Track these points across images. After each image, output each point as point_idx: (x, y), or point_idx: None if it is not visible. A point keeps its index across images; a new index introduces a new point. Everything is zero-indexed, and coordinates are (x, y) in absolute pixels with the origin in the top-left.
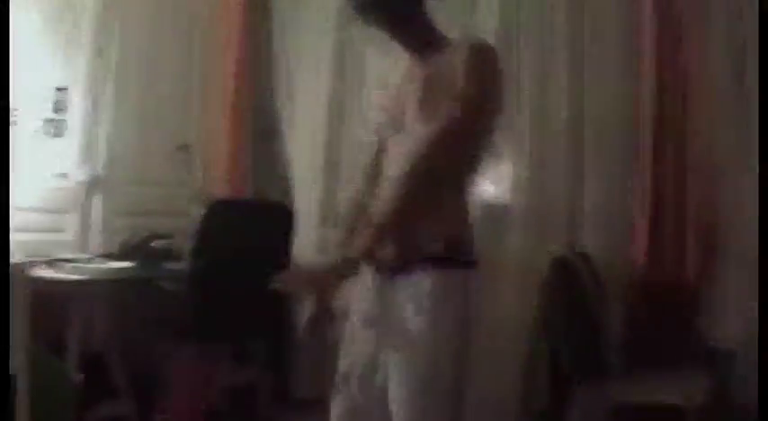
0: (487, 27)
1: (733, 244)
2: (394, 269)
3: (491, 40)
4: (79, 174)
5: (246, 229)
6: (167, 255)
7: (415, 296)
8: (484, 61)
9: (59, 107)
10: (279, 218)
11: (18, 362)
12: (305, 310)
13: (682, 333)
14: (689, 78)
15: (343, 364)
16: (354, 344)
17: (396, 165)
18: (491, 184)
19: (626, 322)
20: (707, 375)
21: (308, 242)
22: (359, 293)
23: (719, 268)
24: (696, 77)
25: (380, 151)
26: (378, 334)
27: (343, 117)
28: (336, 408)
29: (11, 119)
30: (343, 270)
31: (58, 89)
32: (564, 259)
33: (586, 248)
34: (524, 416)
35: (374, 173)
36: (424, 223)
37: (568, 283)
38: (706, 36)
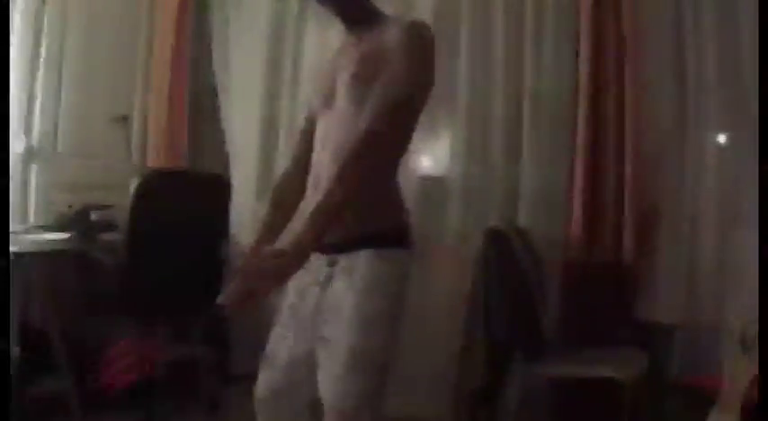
0: (427, 2)
1: (668, 221)
2: (330, 249)
3: (429, 16)
4: (16, 145)
5: (184, 201)
6: (105, 226)
7: (349, 274)
8: (418, 42)
9: None
10: (216, 190)
11: None
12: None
13: (617, 309)
14: (628, 54)
15: (273, 336)
16: (285, 321)
17: (323, 142)
18: (429, 158)
19: (562, 297)
20: (642, 349)
21: (245, 215)
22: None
23: (655, 245)
24: (635, 53)
25: (310, 126)
26: (310, 312)
27: (280, 90)
28: (263, 383)
29: None
30: (288, 266)
31: None
32: (499, 231)
33: (523, 223)
34: (461, 392)
35: (303, 149)
36: (358, 204)
37: (504, 256)
38: (644, 8)
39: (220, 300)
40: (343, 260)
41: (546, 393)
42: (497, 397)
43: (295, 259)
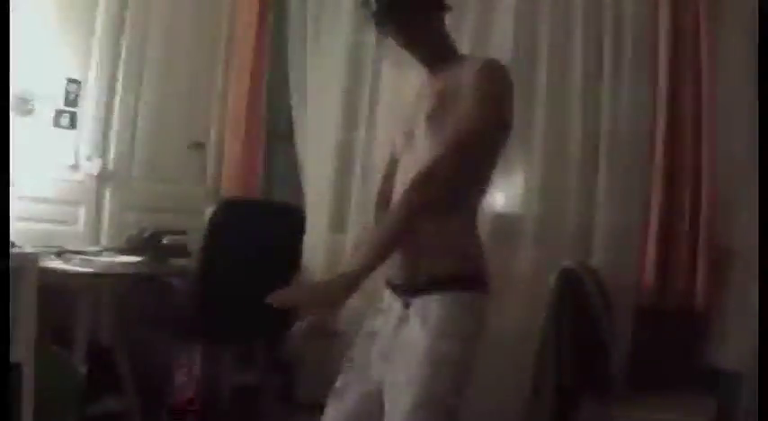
0: (504, 42)
1: (741, 269)
2: (406, 290)
3: (506, 54)
4: (90, 167)
5: (257, 230)
6: (177, 251)
7: (423, 315)
8: (494, 80)
9: (71, 99)
10: (290, 220)
11: (24, 352)
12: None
13: (686, 353)
14: (705, 96)
15: (341, 379)
16: (359, 356)
17: (403, 179)
18: (502, 195)
19: (632, 339)
20: (710, 396)
21: (318, 246)
22: (373, 309)
23: (727, 292)
24: (712, 97)
25: (393, 165)
26: (383, 349)
27: (356, 122)
28: (329, 416)
29: (27, 107)
30: (341, 288)
31: (71, 81)
32: (572, 271)
33: (596, 263)
34: None
35: (387, 187)
36: (432, 243)
37: (576, 296)
38: (721, 54)
39: (295, 328)
40: (418, 302)
41: None
42: None
43: (349, 283)
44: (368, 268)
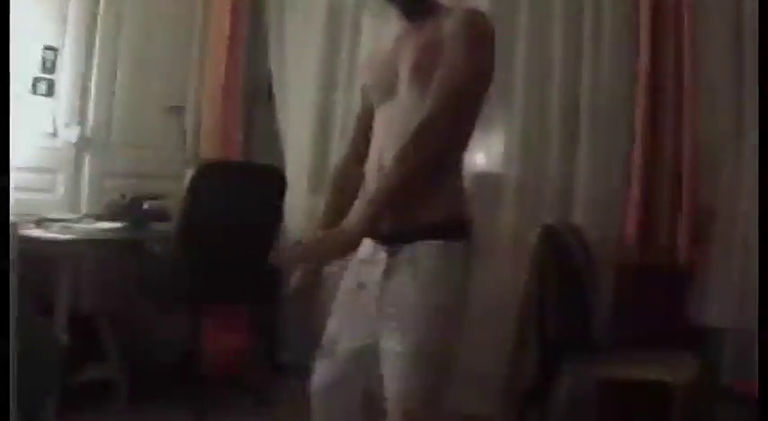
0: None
1: (723, 224)
2: (391, 239)
3: (486, 6)
4: (69, 135)
5: (237, 192)
6: (158, 216)
7: (412, 266)
8: (476, 31)
9: (48, 66)
10: (270, 182)
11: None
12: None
13: (669, 310)
14: (686, 54)
15: (331, 326)
16: (346, 311)
17: (386, 131)
18: (483, 155)
19: (615, 297)
20: (693, 353)
21: (299, 208)
22: (354, 261)
23: (710, 248)
24: (694, 52)
25: (367, 116)
26: (372, 301)
27: (336, 82)
28: (320, 374)
29: None
30: (343, 244)
31: (47, 48)
32: (553, 228)
33: (577, 221)
34: (511, 391)
35: (361, 137)
36: (421, 194)
37: (557, 252)
38: (704, 10)
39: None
40: (405, 251)
41: (596, 395)
42: (547, 397)
43: (351, 239)
44: (367, 227)
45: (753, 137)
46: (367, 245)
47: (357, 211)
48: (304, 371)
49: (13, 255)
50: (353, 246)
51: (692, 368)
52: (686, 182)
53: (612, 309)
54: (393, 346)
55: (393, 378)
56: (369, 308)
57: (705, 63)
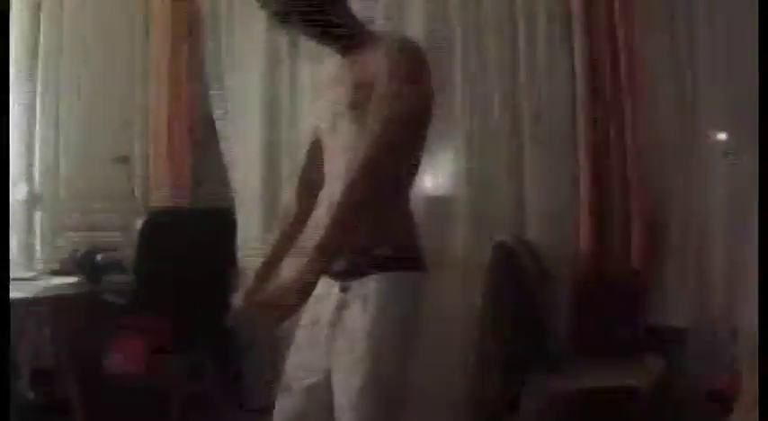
0: (417, 22)
1: (676, 227)
2: (344, 274)
3: (421, 34)
4: (17, 193)
5: (190, 237)
6: (112, 268)
7: (363, 299)
8: (409, 60)
9: None
10: (221, 223)
11: None
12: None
13: (628, 317)
14: (623, 59)
15: (289, 362)
16: (301, 348)
17: (332, 165)
18: (431, 179)
19: (574, 308)
20: (657, 355)
21: (252, 246)
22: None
23: (662, 252)
24: (630, 57)
25: (316, 147)
26: (325, 337)
27: (280, 121)
28: (280, 410)
29: None
30: (301, 293)
31: None
32: (506, 245)
33: (530, 237)
34: (477, 407)
35: (310, 169)
36: (369, 227)
37: (511, 269)
38: (641, 20)
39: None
40: (356, 286)
41: (563, 407)
42: (514, 414)
43: (299, 294)
44: (319, 272)
45: (697, 138)
46: (321, 281)
47: (303, 263)
48: (266, 408)
49: None
50: (309, 294)
51: (655, 370)
52: (634, 186)
53: (571, 320)
54: (345, 380)
55: (346, 410)
56: (322, 343)
57: (642, 64)
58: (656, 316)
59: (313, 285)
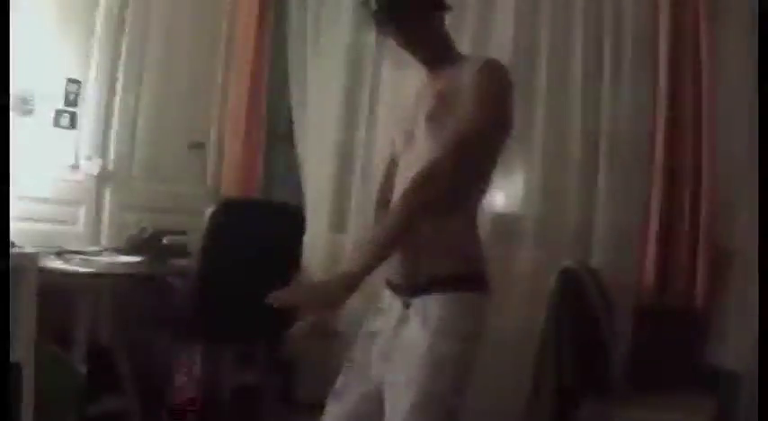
0: (504, 42)
1: (741, 269)
2: (406, 290)
3: (506, 54)
4: (90, 167)
5: (257, 230)
6: (177, 252)
7: (423, 316)
8: (493, 80)
9: (71, 99)
10: (290, 220)
11: (24, 352)
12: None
13: (686, 353)
14: (705, 96)
15: (346, 370)
16: (359, 355)
17: (404, 177)
18: (503, 195)
19: (632, 339)
20: (710, 396)
21: (318, 246)
22: (373, 312)
23: (727, 292)
24: (712, 97)
25: (393, 164)
26: (384, 349)
27: (357, 122)
28: (330, 415)
29: (27, 107)
30: (344, 285)
31: (71, 81)
32: (572, 271)
33: (595, 263)
34: None
35: (387, 187)
36: (432, 243)
37: (576, 296)
38: (720, 54)
39: (295, 328)
40: (418, 302)
41: None
42: None
43: (342, 289)
44: (367, 268)
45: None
46: (386, 294)
47: (358, 254)
48: (319, 411)
49: (30, 285)
50: (352, 290)
51: (709, 412)
52: (704, 223)
53: (629, 352)
54: (399, 394)
55: None
56: (380, 354)
57: (723, 99)
58: (715, 356)
59: (359, 279)
